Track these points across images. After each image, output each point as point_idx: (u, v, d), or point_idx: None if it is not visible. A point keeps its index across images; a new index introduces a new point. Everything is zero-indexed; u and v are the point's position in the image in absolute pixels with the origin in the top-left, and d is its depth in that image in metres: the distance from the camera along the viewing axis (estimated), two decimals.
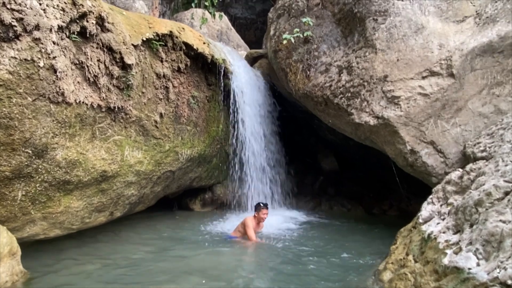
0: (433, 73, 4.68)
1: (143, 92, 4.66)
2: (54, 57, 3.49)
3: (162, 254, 4.53)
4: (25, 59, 3.30)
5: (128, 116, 4.48)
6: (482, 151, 3.82)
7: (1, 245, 3.31)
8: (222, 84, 6.12)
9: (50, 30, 3.47)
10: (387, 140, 5.04)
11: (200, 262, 4.24)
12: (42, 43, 3.40)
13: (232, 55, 6.54)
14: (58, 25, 3.54)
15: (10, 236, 3.48)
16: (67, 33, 3.69)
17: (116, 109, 4.28)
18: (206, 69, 5.86)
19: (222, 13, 9.10)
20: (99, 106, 4.08)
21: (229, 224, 6.12)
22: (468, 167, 3.64)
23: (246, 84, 6.53)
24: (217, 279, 3.69)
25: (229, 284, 3.57)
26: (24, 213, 3.84)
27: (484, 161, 3.62)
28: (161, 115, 4.98)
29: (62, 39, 3.63)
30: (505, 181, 2.83)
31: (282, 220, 6.34)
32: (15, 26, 3.23)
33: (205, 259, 4.33)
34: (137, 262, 4.19)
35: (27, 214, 3.87)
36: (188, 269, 3.99)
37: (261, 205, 5.39)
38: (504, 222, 2.51)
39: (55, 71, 3.51)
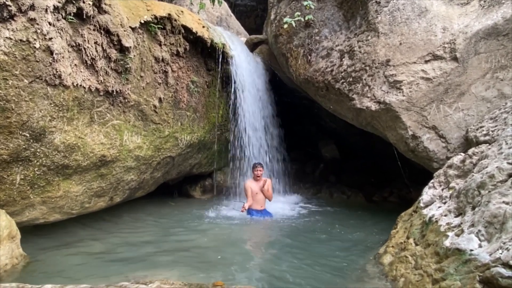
0: (436, 57, 4.61)
1: (141, 76, 4.60)
2: (50, 39, 3.43)
3: (162, 238, 4.53)
4: (21, 40, 3.24)
5: (126, 101, 4.43)
6: (485, 135, 3.78)
7: (0, 228, 3.29)
8: (222, 70, 6.05)
9: (46, 10, 3.40)
10: (389, 125, 4.99)
11: (201, 245, 4.24)
12: (37, 24, 3.33)
13: (232, 39, 6.45)
14: (54, 6, 3.47)
15: (9, 219, 3.47)
16: (63, 14, 3.61)
17: (114, 93, 4.23)
18: (206, 53, 5.77)
19: None
20: (97, 89, 4.02)
21: (229, 210, 6.12)
22: (470, 151, 3.60)
23: (246, 70, 6.44)
24: (218, 260, 3.69)
25: (228, 265, 3.57)
26: (23, 197, 3.82)
27: (487, 144, 3.58)
28: (160, 100, 4.92)
29: (58, 20, 3.56)
30: (509, 163, 2.79)
31: (281, 206, 6.33)
32: (10, 5, 3.16)
33: (205, 243, 4.33)
34: (138, 246, 4.19)
35: (26, 198, 3.85)
36: (188, 251, 4.00)
37: (255, 164, 6.05)
38: (507, 203, 2.48)
39: (51, 52, 3.45)
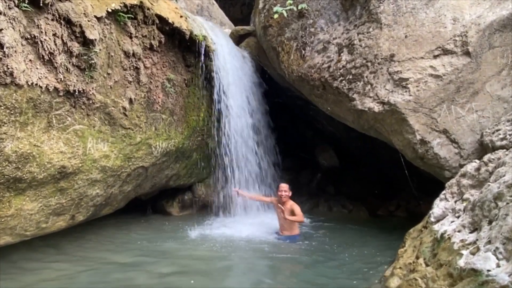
0: (446, 52, 4.70)
1: (108, 74, 4.56)
2: (0, 30, 3.38)
3: (131, 264, 4.47)
4: None
5: (91, 102, 4.38)
6: (502, 139, 3.86)
7: None
8: (203, 66, 6.05)
9: None
10: (394, 129, 5.06)
11: (180, 272, 4.20)
12: None
13: (215, 31, 6.47)
14: None
15: None
16: (16, 1, 3.57)
17: (77, 93, 4.18)
18: (184, 47, 5.78)
19: None
20: (55, 89, 3.97)
21: (214, 229, 6.07)
22: (486, 158, 3.67)
23: (231, 66, 6.47)
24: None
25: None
26: None
27: (504, 150, 3.65)
28: (130, 101, 4.89)
29: (9, 8, 3.52)
30: None
31: (273, 223, 6.31)
32: None
33: (185, 269, 4.29)
34: (104, 272, 4.13)
35: None
36: (164, 280, 3.96)
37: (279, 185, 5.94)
38: None
39: (1, 46, 3.40)
